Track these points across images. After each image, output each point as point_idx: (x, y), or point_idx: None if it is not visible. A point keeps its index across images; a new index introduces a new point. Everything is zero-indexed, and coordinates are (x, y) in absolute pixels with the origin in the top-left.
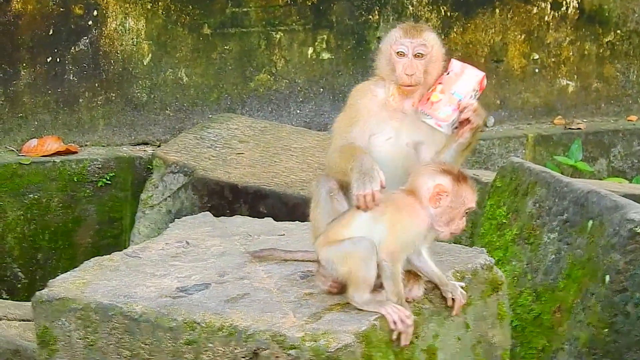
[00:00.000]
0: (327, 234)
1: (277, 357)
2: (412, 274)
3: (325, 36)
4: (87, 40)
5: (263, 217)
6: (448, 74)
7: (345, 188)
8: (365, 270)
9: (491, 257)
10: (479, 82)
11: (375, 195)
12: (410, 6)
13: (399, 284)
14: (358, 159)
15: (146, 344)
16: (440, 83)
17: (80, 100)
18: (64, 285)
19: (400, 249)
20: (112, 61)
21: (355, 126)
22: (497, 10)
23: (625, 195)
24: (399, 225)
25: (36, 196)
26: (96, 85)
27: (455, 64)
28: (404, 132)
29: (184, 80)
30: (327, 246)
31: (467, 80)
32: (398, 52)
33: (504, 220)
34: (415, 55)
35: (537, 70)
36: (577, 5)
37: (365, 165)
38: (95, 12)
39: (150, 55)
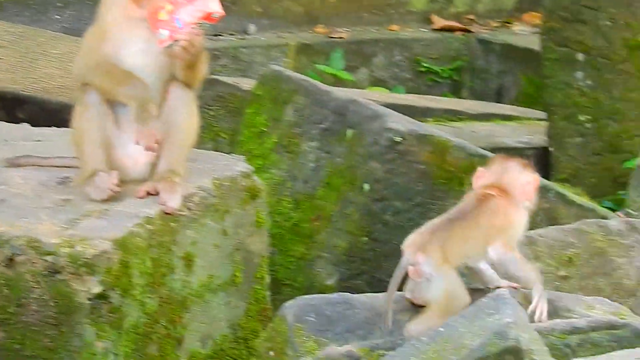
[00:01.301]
0: None
1: (33, 263)
2: (167, 183)
3: None
4: None
5: (21, 123)
6: None
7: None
8: None
9: (250, 164)
10: (206, 14)
11: (155, 135)
12: None
13: None
14: (133, 85)
15: None
16: (171, 2)
17: None
18: None
19: None
20: None
21: (105, 38)
22: None
23: (386, 105)
24: None
25: None
26: None
27: None
28: (154, 42)
29: None
30: None
31: (195, 8)
32: None
33: (263, 129)
34: None
35: None
36: None
37: (143, 95)
38: None
39: None
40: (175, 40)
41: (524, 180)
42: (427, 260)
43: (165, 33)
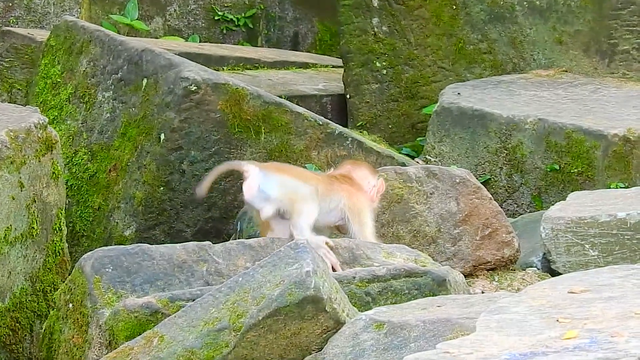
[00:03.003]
0: None
1: None
2: None
3: None
4: None
5: None
6: None
7: None
8: None
9: (46, 116)
10: None
11: None
12: None
13: None
14: None
15: None
16: None
17: None
18: None
19: None
20: None
21: None
22: None
23: (181, 54)
24: None
25: None
26: None
27: None
28: None
29: None
30: None
31: None
32: None
33: (58, 79)
34: None
35: None
36: None
37: None
38: None
39: None
40: None
41: (371, 182)
42: (260, 171)
43: None
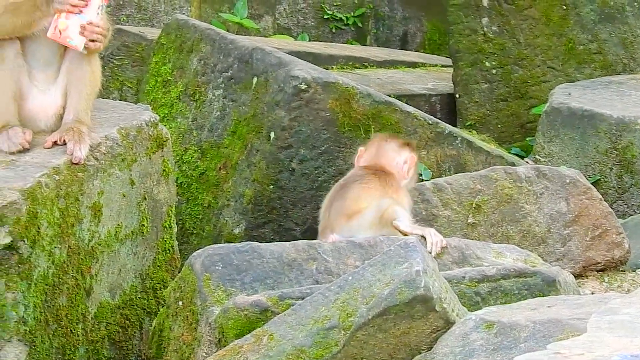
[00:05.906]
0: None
1: None
2: (74, 133)
3: None
4: None
5: None
6: None
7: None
8: None
9: (156, 113)
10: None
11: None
12: None
13: None
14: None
15: None
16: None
17: None
18: None
19: None
20: None
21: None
22: None
23: (291, 53)
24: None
25: None
26: None
27: None
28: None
29: None
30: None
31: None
32: None
33: (169, 77)
34: None
35: None
36: None
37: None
38: None
39: None
40: (85, 31)
41: (400, 160)
42: (340, 235)
43: (75, 38)
